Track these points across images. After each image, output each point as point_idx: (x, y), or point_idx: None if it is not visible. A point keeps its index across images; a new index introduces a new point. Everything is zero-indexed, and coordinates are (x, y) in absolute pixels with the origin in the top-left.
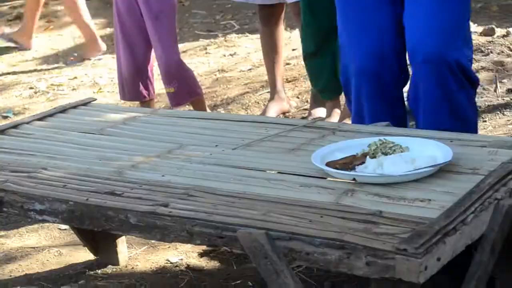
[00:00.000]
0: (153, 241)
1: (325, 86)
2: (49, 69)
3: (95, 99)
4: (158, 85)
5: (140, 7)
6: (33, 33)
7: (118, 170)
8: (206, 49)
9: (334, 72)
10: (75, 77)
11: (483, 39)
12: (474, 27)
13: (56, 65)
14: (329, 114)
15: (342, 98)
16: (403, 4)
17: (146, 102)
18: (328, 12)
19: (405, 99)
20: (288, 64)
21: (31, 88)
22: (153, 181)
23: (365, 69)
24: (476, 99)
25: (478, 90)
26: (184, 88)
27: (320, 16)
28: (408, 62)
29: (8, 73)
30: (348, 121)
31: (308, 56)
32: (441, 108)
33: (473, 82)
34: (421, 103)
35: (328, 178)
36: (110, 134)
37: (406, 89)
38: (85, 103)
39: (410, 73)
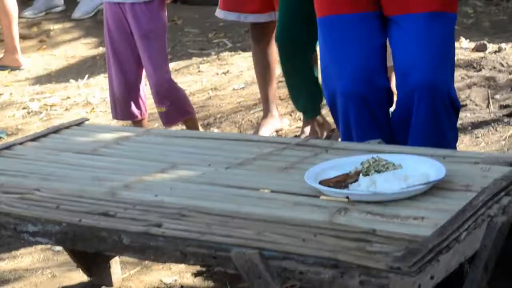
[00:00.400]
0: (146, 261)
1: (305, 106)
2: (42, 89)
3: (88, 119)
4: (151, 104)
5: (130, 26)
6: (19, 50)
7: (111, 190)
8: (199, 67)
9: (312, 91)
10: (68, 97)
11: (475, 55)
12: (466, 43)
13: (49, 85)
14: (312, 132)
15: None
16: (387, 27)
17: (138, 121)
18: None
19: None
20: (280, 81)
21: (24, 108)
22: (146, 201)
23: (351, 92)
24: (469, 115)
25: (470, 106)
26: (176, 107)
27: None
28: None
29: (1, 94)
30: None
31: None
32: (429, 133)
33: (457, 109)
34: (407, 127)
35: (321, 197)
36: (103, 154)
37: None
38: (78, 123)
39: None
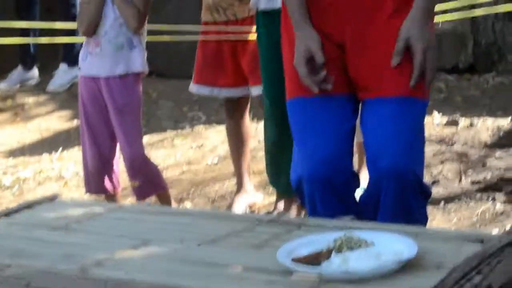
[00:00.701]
0: None
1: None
2: (15, 163)
3: (61, 195)
4: (125, 178)
5: (105, 100)
6: None
7: (82, 267)
8: (173, 141)
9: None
10: (41, 171)
11: (447, 130)
12: (438, 118)
13: (22, 158)
14: (286, 208)
15: None
16: (360, 108)
17: (111, 195)
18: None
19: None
20: (254, 156)
21: None
22: (117, 279)
23: (317, 177)
24: (441, 190)
25: (443, 182)
26: (149, 182)
27: (279, 112)
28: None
29: None
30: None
31: (268, 149)
32: (397, 219)
33: (428, 195)
34: (375, 210)
35: (294, 275)
36: (75, 230)
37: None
38: (51, 199)
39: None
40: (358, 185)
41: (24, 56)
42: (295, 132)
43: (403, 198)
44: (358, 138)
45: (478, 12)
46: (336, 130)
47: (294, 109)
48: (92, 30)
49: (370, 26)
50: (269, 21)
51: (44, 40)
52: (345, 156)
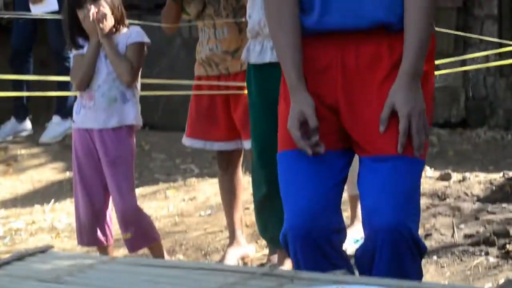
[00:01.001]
0: None
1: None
2: (7, 214)
3: (53, 246)
4: (118, 229)
5: (98, 152)
6: None
7: None
8: (165, 193)
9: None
10: (33, 222)
11: (439, 184)
12: (431, 172)
13: (14, 210)
14: (279, 261)
15: None
16: (348, 164)
17: (104, 247)
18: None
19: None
20: (247, 208)
21: None
22: None
23: (297, 229)
24: (434, 244)
25: (435, 236)
26: (141, 234)
27: (268, 164)
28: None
29: None
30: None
31: (257, 204)
32: (392, 273)
33: (423, 252)
34: (370, 266)
35: None
36: (66, 283)
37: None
38: (42, 251)
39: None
40: (343, 239)
41: (17, 108)
42: (282, 184)
43: (398, 255)
44: (351, 191)
45: (470, 67)
46: (322, 184)
47: (283, 162)
48: (85, 84)
49: (364, 90)
50: (259, 74)
51: (38, 94)
52: (329, 210)
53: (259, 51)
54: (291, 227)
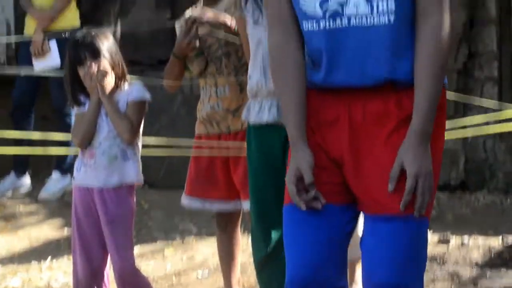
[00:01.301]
0: None
1: None
2: (3, 271)
3: None
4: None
5: (98, 211)
6: None
7: None
8: (163, 252)
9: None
10: (30, 280)
11: (438, 248)
12: (429, 236)
13: (11, 267)
14: None
15: None
16: (353, 219)
17: None
18: (277, 221)
19: None
20: (245, 270)
21: None
22: None
23: (296, 283)
24: None
25: None
26: None
27: (267, 225)
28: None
29: None
30: None
31: (257, 265)
32: None
33: None
34: None
35: None
36: None
37: None
38: None
39: None
40: None
41: (17, 163)
42: (284, 237)
43: None
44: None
45: (470, 132)
46: (324, 238)
47: (287, 214)
48: (87, 142)
49: (370, 145)
50: (259, 134)
51: (38, 151)
52: (330, 265)
53: (257, 111)
54: (290, 280)
